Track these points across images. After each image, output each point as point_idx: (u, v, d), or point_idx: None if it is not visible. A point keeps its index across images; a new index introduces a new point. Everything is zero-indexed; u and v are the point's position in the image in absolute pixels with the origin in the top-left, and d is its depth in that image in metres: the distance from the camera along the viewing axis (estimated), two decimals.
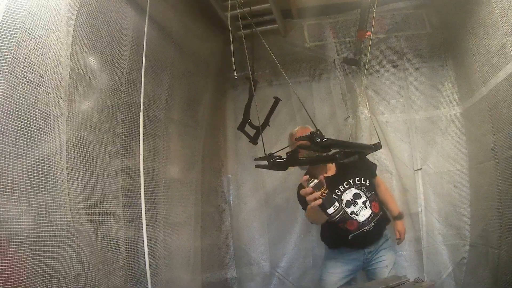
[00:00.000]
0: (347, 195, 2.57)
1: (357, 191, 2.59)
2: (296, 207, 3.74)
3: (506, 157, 2.55)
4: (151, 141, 2.42)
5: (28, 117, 1.33)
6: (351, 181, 2.60)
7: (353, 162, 2.00)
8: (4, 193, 1.22)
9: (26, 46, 1.36)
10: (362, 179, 2.61)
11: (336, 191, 2.56)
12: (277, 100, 3.03)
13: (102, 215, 1.83)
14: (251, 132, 3.01)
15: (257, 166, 2.26)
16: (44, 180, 1.37)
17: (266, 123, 3.03)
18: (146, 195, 2.21)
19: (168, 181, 2.63)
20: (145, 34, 2.36)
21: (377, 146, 2.32)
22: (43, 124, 1.40)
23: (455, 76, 3.49)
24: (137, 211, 2.14)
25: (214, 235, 3.58)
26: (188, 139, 3.12)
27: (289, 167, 2.05)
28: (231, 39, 2.40)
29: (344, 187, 2.59)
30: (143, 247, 2.13)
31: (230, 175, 3.97)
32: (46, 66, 1.44)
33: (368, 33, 3.14)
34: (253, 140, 2.98)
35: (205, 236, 3.26)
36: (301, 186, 2.28)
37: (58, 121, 1.51)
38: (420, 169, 3.46)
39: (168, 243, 2.49)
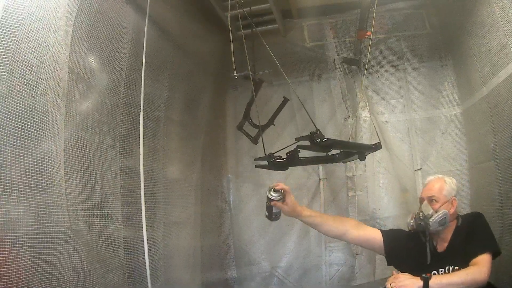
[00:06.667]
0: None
1: None
2: None
3: (507, 156, 2.54)
4: (150, 141, 2.42)
5: (26, 118, 1.34)
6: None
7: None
8: (2, 193, 1.22)
9: (24, 46, 1.36)
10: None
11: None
12: (285, 100, 3.03)
13: (100, 215, 1.83)
14: (251, 131, 3.00)
15: (257, 166, 2.25)
16: (42, 180, 1.38)
17: (271, 122, 3.03)
18: (145, 195, 2.21)
19: (168, 181, 2.63)
20: (145, 34, 2.36)
21: (377, 146, 2.32)
22: (41, 125, 1.40)
23: (455, 76, 3.47)
24: (136, 211, 2.14)
25: (214, 235, 3.58)
26: (188, 139, 3.12)
27: (289, 167, 2.05)
28: (231, 39, 2.39)
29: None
30: (142, 247, 2.13)
31: (230, 175, 3.97)
32: (44, 66, 1.44)
33: (368, 33, 3.13)
34: (254, 140, 2.99)
35: (206, 236, 3.26)
36: None
37: (56, 121, 1.51)
38: (420, 169, 3.44)
39: (168, 243, 2.49)
